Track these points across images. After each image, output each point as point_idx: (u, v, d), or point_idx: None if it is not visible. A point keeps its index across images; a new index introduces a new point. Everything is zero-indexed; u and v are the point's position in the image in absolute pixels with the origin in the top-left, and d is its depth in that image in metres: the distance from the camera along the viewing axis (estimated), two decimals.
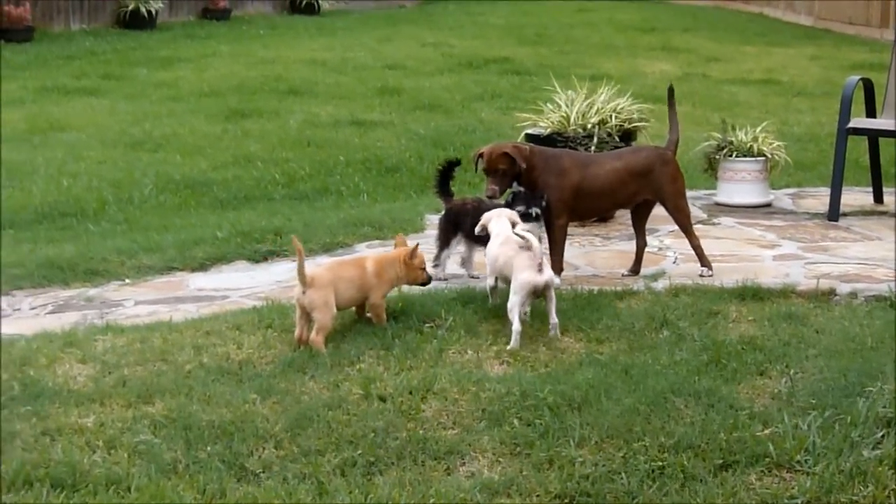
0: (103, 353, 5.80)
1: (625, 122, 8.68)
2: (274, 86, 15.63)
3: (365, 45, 19.86)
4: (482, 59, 18.23)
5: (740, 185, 9.10)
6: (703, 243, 7.22)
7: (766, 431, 4.83)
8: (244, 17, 23.64)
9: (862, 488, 4.47)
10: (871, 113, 9.36)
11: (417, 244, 6.25)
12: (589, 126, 8.53)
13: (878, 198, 9.37)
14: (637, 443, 4.77)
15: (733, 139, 9.11)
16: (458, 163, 7.14)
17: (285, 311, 6.26)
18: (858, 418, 4.86)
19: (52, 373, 5.56)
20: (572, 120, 8.62)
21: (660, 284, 6.84)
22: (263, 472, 4.64)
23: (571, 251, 7.49)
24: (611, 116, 8.61)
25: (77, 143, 12.13)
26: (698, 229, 7.51)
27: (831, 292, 6.68)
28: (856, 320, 6.14)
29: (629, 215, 7.34)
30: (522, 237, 5.96)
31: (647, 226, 7.27)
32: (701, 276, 7.03)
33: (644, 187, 7.02)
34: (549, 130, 8.64)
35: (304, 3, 25.08)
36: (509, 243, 6.08)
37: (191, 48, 19.05)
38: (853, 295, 6.64)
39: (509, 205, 6.69)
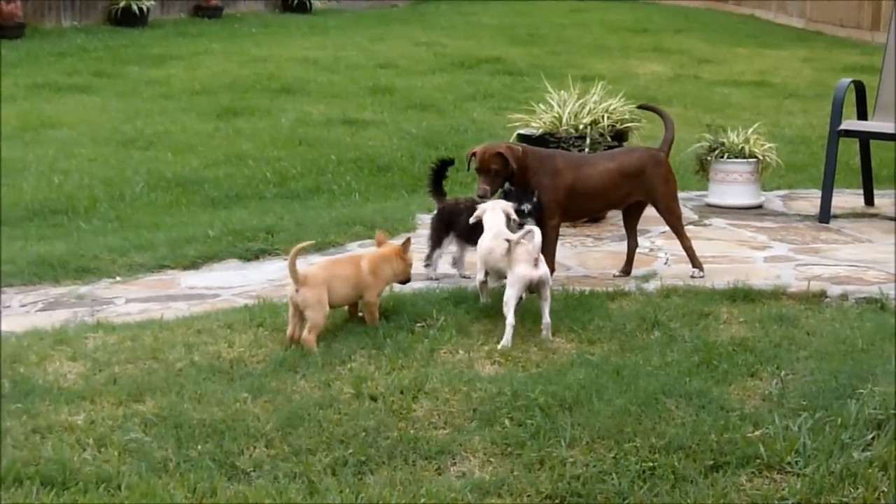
0: (94, 351, 5.80)
1: (617, 122, 8.68)
2: (266, 84, 15.62)
3: (357, 44, 19.85)
4: (474, 59, 18.23)
5: (732, 186, 9.11)
6: (695, 244, 7.22)
7: (757, 433, 4.84)
8: (236, 15, 23.61)
9: (852, 490, 4.48)
10: (862, 115, 9.37)
11: (409, 237, 6.26)
12: (581, 126, 8.53)
13: (869, 200, 9.39)
14: (628, 443, 4.77)
15: (725, 141, 9.12)
16: (451, 162, 7.15)
17: (277, 309, 6.25)
18: (849, 420, 4.87)
19: (43, 370, 5.55)
20: (564, 120, 8.61)
21: (651, 285, 6.84)
22: (254, 470, 4.64)
23: (563, 251, 7.49)
24: (603, 117, 8.61)
25: (68, 140, 12.12)
26: (690, 230, 7.51)
27: (822, 294, 6.69)
28: (846, 322, 6.15)
29: (621, 216, 7.34)
30: (511, 240, 5.99)
31: (639, 227, 7.27)
32: (692, 277, 7.04)
33: (636, 188, 7.03)
34: (541, 131, 8.64)
35: (296, 1, 25.02)
36: (502, 237, 6.09)
37: (183, 46, 19.02)
38: (844, 297, 6.65)
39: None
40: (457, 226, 6.95)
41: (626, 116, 8.79)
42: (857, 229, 8.55)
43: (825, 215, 8.71)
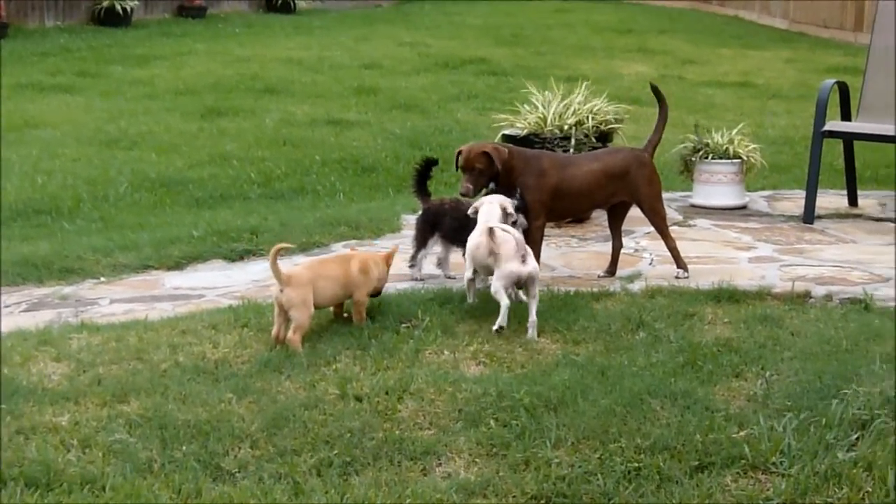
0: (78, 352, 5.78)
1: (601, 123, 8.69)
2: (250, 84, 15.59)
3: (341, 44, 19.83)
4: (459, 60, 18.22)
5: (716, 187, 9.13)
6: (679, 245, 7.23)
7: (742, 433, 4.84)
8: (220, 15, 23.56)
9: (837, 490, 4.48)
10: (846, 116, 9.40)
11: (396, 246, 6.26)
12: (566, 127, 8.54)
13: (853, 201, 9.42)
14: (613, 444, 4.77)
15: (709, 141, 9.13)
16: (435, 162, 7.13)
17: (261, 310, 6.25)
18: (833, 420, 4.87)
19: (27, 371, 5.54)
20: (549, 121, 8.62)
21: (636, 286, 6.85)
22: (239, 471, 4.63)
23: (548, 252, 7.49)
24: (587, 118, 8.62)
25: (52, 140, 12.08)
26: (674, 231, 7.52)
27: (806, 295, 6.70)
28: (831, 323, 6.16)
29: (605, 216, 7.35)
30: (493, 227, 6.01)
31: (624, 227, 7.28)
32: (677, 277, 7.05)
33: (621, 189, 7.03)
34: (525, 131, 8.64)
35: (280, 1, 24.99)
36: (489, 226, 6.10)
37: (166, 46, 18.98)
38: (828, 297, 6.66)
39: None
40: (441, 226, 6.95)
41: (611, 117, 8.80)
42: (841, 230, 8.57)
43: (809, 216, 8.73)
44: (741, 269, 7.34)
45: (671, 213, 8.44)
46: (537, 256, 6.87)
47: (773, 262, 7.56)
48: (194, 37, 20.17)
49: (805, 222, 8.70)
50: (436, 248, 7.11)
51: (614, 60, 18.93)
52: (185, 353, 5.75)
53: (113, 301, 6.99)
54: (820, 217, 8.85)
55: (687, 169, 9.32)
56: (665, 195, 7.48)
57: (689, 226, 8.59)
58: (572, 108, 8.70)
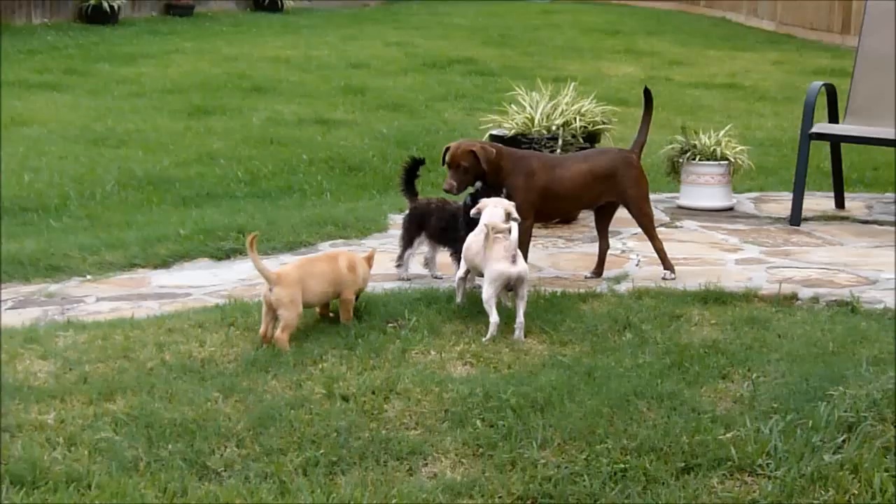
0: (64, 350, 5.77)
1: (589, 124, 8.69)
2: (237, 83, 15.58)
3: (329, 43, 19.82)
4: (446, 60, 18.23)
5: (703, 188, 9.14)
6: (666, 246, 7.24)
7: (729, 435, 4.84)
8: (207, 14, 23.54)
9: (823, 492, 4.48)
10: (833, 118, 9.42)
11: (374, 249, 6.27)
12: (553, 128, 8.55)
13: (840, 203, 9.43)
14: (600, 445, 4.77)
15: (696, 143, 9.14)
16: (422, 162, 7.12)
17: (248, 309, 6.24)
18: (820, 422, 4.88)
19: (13, 369, 5.52)
20: (536, 121, 8.63)
21: (623, 287, 6.85)
22: (225, 470, 4.62)
23: (535, 253, 7.49)
24: (575, 118, 8.62)
25: (39, 138, 12.05)
26: (661, 232, 7.51)
27: (793, 297, 6.71)
28: (817, 325, 6.17)
29: (592, 217, 7.35)
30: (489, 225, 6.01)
31: (611, 228, 7.29)
32: (664, 279, 7.05)
33: (608, 189, 7.03)
34: (513, 132, 8.64)
35: (267, 0, 24.99)
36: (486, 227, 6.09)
37: (154, 44, 18.96)
38: (815, 299, 6.67)
39: (474, 201, 6.62)
40: (428, 226, 6.95)
41: (598, 118, 8.81)
42: (828, 232, 8.58)
43: (796, 218, 8.75)
44: (728, 271, 7.35)
45: (658, 215, 8.45)
46: (525, 257, 6.88)
47: (760, 263, 7.57)
48: (182, 35, 20.15)
49: (792, 224, 8.72)
50: (423, 247, 7.11)
51: (602, 61, 18.95)
52: (171, 351, 5.74)
53: (99, 299, 6.98)
54: (807, 219, 8.87)
55: (674, 170, 9.32)
56: (652, 196, 7.48)
57: (676, 227, 8.59)
58: (560, 109, 8.71)
